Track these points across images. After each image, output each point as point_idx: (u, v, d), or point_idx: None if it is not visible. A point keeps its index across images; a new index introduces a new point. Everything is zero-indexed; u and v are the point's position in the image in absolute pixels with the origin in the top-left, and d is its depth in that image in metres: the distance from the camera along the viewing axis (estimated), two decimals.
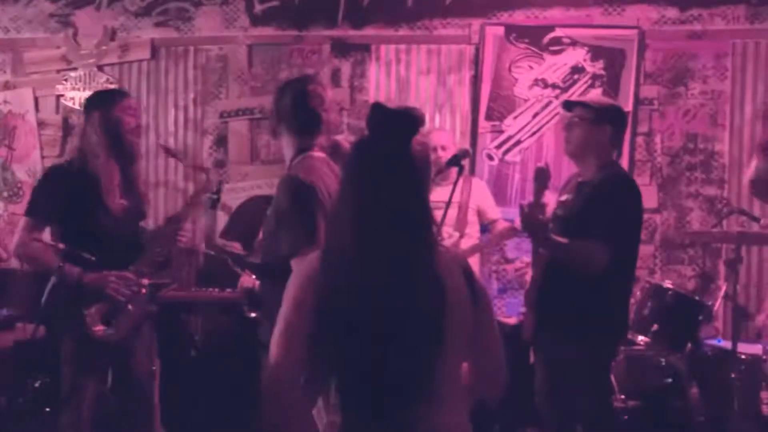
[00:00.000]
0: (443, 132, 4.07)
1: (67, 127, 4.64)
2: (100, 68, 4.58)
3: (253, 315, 2.36)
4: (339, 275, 1.48)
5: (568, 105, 2.85)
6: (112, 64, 4.58)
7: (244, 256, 2.53)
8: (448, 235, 3.64)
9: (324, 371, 1.50)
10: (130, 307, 2.68)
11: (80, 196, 2.67)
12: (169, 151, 3.26)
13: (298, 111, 2.30)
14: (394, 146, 1.52)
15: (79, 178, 2.68)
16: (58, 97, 4.63)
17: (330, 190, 2.21)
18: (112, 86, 4.57)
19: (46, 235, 2.82)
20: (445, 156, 3.79)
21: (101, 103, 2.79)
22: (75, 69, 4.59)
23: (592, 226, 2.56)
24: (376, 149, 1.53)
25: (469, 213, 3.75)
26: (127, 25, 4.58)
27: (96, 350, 2.66)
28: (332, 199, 2.20)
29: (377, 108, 1.56)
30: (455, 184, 3.03)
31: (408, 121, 1.54)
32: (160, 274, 2.82)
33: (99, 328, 2.64)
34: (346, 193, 1.54)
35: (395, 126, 1.53)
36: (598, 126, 2.70)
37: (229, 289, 3.65)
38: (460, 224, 3.69)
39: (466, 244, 3.69)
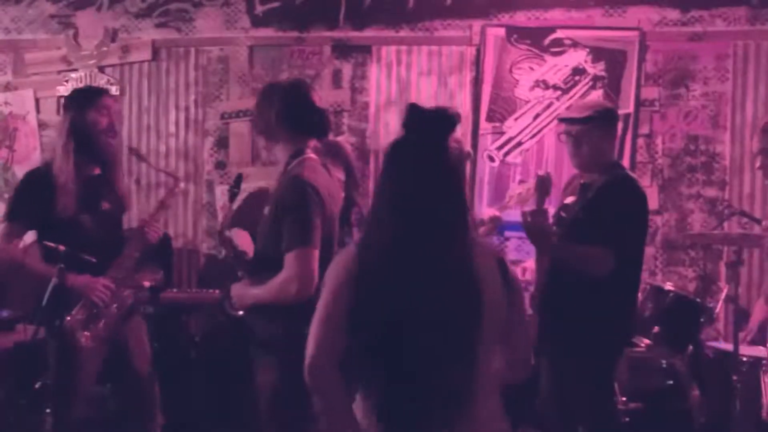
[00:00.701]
0: None
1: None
2: (101, 69, 4.59)
3: (240, 313, 2.34)
4: (377, 271, 1.53)
5: (569, 121, 2.78)
6: (113, 65, 4.59)
7: (244, 254, 2.51)
8: None
9: (361, 365, 1.56)
10: (113, 310, 2.67)
11: (52, 201, 2.65)
12: (139, 156, 3.33)
13: (298, 113, 2.31)
14: (432, 145, 1.56)
15: (51, 181, 2.67)
16: (59, 98, 4.62)
17: (329, 192, 2.28)
18: (113, 87, 4.58)
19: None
20: None
21: (74, 105, 2.78)
22: (76, 70, 4.60)
23: (598, 230, 2.56)
24: (414, 149, 1.57)
25: None
26: (128, 26, 4.58)
27: (83, 354, 2.65)
28: (332, 200, 2.28)
29: (413, 108, 1.59)
30: None
31: (444, 120, 1.58)
32: (143, 274, 2.78)
33: (81, 334, 2.64)
34: (385, 191, 1.59)
35: (432, 126, 1.57)
36: (601, 134, 2.72)
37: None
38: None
39: None
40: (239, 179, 2.57)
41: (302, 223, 2.17)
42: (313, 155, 2.33)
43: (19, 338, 3.74)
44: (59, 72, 4.62)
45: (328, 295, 1.58)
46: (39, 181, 2.71)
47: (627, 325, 2.78)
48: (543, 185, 2.73)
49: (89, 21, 4.59)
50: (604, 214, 2.58)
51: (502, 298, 1.57)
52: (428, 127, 1.56)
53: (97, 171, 2.79)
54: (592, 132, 2.69)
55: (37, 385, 3.78)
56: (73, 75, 4.60)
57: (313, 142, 2.35)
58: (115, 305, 2.68)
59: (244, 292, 2.31)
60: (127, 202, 2.94)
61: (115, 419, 3.59)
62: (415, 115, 1.58)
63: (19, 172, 4.65)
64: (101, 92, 2.90)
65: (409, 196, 1.54)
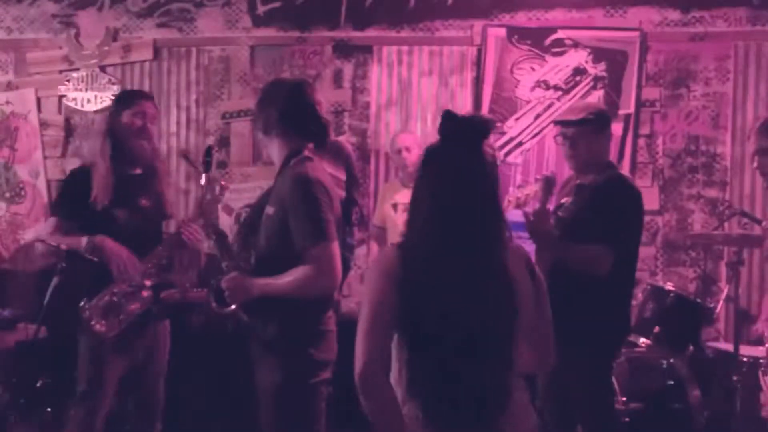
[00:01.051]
0: (409, 134, 4.11)
1: (69, 128, 4.65)
2: (103, 69, 4.59)
3: (232, 308, 2.27)
4: (423, 275, 1.58)
5: (565, 124, 2.83)
6: (115, 65, 4.59)
7: (226, 237, 2.49)
8: None
9: (407, 366, 1.59)
10: (131, 306, 2.66)
11: (82, 198, 2.71)
12: (187, 159, 3.28)
13: (299, 114, 2.28)
14: (468, 151, 1.63)
15: (91, 178, 2.73)
16: (61, 97, 4.63)
17: (333, 190, 2.27)
18: (114, 87, 4.59)
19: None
20: (409, 157, 3.85)
21: (113, 105, 2.85)
22: (77, 69, 4.60)
23: (597, 230, 2.58)
24: (451, 154, 1.64)
25: None
26: (130, 25, 4.59)
27: (111, 347, 2.66)
28: (336, 199, 2.27)
29: (449, 115, 1.66)
30: None
31: (479, 126, 1.65)
32: (164, 276, 2.80)
33: (97, 323, 2.63)
34: (424, 196, 1.65)
35: (467, 132, 1.64)
36: (602, 133, 2.77)
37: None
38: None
39: None
40: (209, 150, 2.54)
41: (316, 218, 2.15)
42: (311, 155, 2.30)
43: (21, 337, 3.75)
44: (61, 71, 4.63)
45: (374, 300, 1.60)
46: (80, 177, 2.75)
47: (624, 323, 2.80)
48: (548, 185, 2.75)
49: (91, 20, 4.59)
50: (601, 214, 2.61)
51: (530, 293, 1.66)
52: (464, 133, 1.63)
53: (138, 171, 2.79)
54: (587, 134, 2.74)
55: (38, 384, 3.79)
56: (75, 74, 4.60)
57: (310, 146, 2.31)
58: (136, 305, 2.66)
59: (246, 285, 2.23)
60: (169, 206, 2.89)
61: (109, 421, 3.60)
62: (450, 122, 1.64)
63: (21, 171, 4.67)
64: (139, 95, 2.92)
65: (449, 200, 1.61)
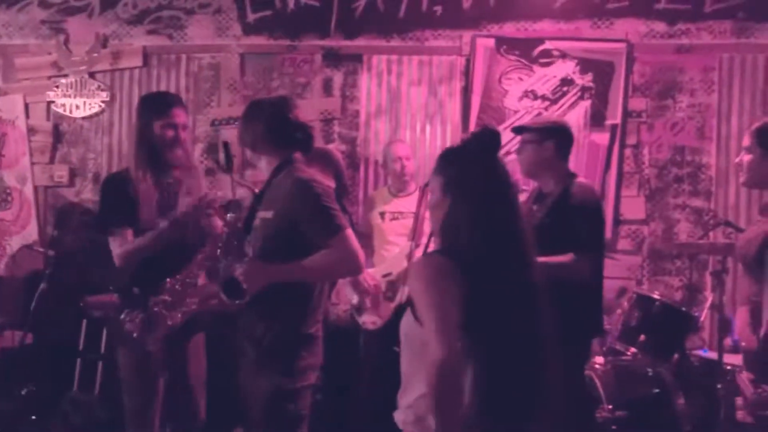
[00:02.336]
0: (404, 143, 4.15)
1: (57, 134, 4.64)
2: (92, 75, 4.59)
3: (242, 301, 2.23)
4: (484, 278, 1.70)
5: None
6: (104, 71, 4.59)
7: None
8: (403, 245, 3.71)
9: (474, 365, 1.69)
10: (177, 317, 2.58)
11: (135, 205, 2.68)
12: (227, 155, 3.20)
13: (282, 130, 2.38)
14: (498, 159, 1.83)
15: (130, 185, 2.70)
16: (49, 103, 4.62)
17: (329, 191, 2.37)
18: (103, 93, 4.58)
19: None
20: (410, 166, 3.89)
21: (142, 113, 2.78)
22: (66, 76, 4.60)
23: (572, 240, 2.74)
24: (489, 163, 1.82)
25: (425, 224, 3.78)
26: (119, 32, 4.59)
27: (154, 358, 2.62)
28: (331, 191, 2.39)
29: (488, 130, 1.87)
30: (422, 194, 3.16)
31: (496, 138, 1.85)
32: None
33: (136, 332, 2.57)
34: (460, 200, 1.78)
35: (493, 144, 1.84)
36: (541, 145, 2.95)
37: None
38: (417, 235, 3.71)
39: (420, 254, 3.72)
40: (227, 147, 2.50)
41: (324, 214, 2.26)
42: (301, 163, 2.39)
43: (6, 344, 3.73)
44: (49, 77, 4.62)
45: (437, 299, 1.67)
46: (120, 185, 2.71)
47: (596, 321, 2.98)
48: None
49: (80, 27, 4.59)
50: (575, 225, 2.78)
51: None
52: (491, 145, 1.83)
53: (175, 175, 2.76)
54: (526, 143, 2.99)
55: (23, 392, 3.77)
56: (64, 81, 4.59)
57: (298, 155, 2.41)
58: (180, 312, 2.58)
59: (264, 269, 2.25)
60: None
61: (105, 427, 3.58)
62: (488, 136, 1.85)
63: (8, 177, 4.64)
64: (168, 102, 2.81)
65: (495, 207, 1.77)
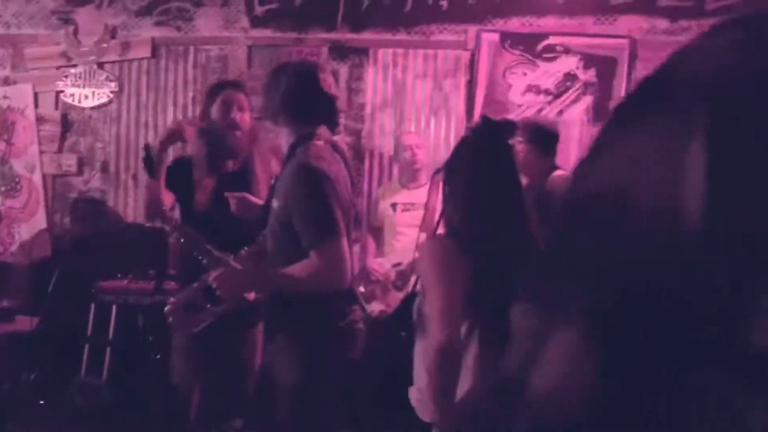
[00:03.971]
0: (414, 134, 4.20)
1: (66, 123, 4.69)
2: (101, 66, 4.64)
3: (222, 307, 2.16)
4: (488, 258, 1.73)
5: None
6: (113, 62, 4.64)
7: (202, 240, 2.35)
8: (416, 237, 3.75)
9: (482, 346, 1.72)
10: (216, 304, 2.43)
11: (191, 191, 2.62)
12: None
13: (303, 97, 2.13)
14: (506, 146, 1.89)
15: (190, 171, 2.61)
16: (58, 93, 4.67)
17: (338, 177, 2.12)
18: (112, 84, 4.63)
19: None
20: (421, 156, 3.93)
21: (204, 103, 2.68)
22: (75, 66, 4.64)
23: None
24: (494, 149, 1.87)
25: (436, 215, 3.83)
26: (128, 23, 4.64)
27: (200, 342, 2.52)
28: (345, 186, 2.17)
29: (487, 119, 1.94)
30: (432, 184, 3.22)
31: (510, 127, 1.92)
32: None
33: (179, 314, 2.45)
34: (452, 186, 1.85)
35: (503, 132, 1.90)
36: (539, 145, 3.13)
37: None
38: (427, 226, 3.76)
39: None
40: (147, 149, 2.43)
41: (319, 214, 2.02)
42: (319, 142, 2.14)
43: (19, 328, 3.78)
44: (58, 67, 4.66)
45: (443, 281, 1.71)
46: (181, 170, 2.64)
47: None
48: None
49: (89, 18, 4.64)
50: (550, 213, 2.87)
51: None
52: (500, 133, 1.89)
53: (235, 166, 2.64)
54: (524, 144, 3.09)
55: (32, 377, 3.82)
56: (72, 71, 4.64)
57: (321, 129, 2.16)
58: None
59: (238, 278, 2.13)
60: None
61: (111, 410, 3.63)
62: (489, 125, 1.91)
63: (17, 165, 4.70)
64: (223, 85, 2.75)
65: (500, 189, 1.83)
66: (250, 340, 2.64)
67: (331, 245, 2.03)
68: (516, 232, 1.80)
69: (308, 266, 2.04)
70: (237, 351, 2.60)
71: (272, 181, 2.34)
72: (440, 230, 1.94)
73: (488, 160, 1.86)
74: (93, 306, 3.72)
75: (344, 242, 2.06)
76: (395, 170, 4.38)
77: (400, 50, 4.47)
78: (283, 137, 2.20)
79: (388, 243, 3.95)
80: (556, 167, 3.19)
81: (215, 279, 2.11)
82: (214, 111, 2.60)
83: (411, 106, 4.46)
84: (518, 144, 3.05)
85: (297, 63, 2.50)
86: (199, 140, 2.59)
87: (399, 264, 3.76)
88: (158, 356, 3.04)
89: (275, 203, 2.15)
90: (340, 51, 4.50)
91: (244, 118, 2.62)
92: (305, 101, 2.14)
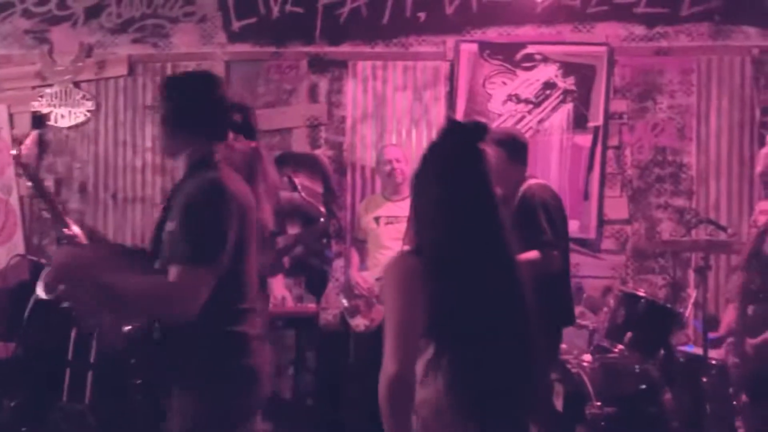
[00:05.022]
0: (396, 146, 4.19)
1: (41, 144, 4.62)
2: (77, 85, 4.58)
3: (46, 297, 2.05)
4: (451, 276, 1.59)
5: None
6: (89, 81, 4.58)
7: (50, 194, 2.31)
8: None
9: (447, 364, 1.58)
10: None
11: None
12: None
13: (197, 110, 1.97)
14: (475, 152, 1.69)
15: None
16: (33, 113, 4.61)
17: (244, 201, 1.93)
18: (88, 103, 4.57)
19: None
20: (401, 168, 3.92)
21: None
22: (51, 85, 4.58)
23: (539, 238, 2.93)
24: (461, 156, 1.68)
25: None
26: (104, 41, 4.59)
27: None
28: (251, 210, 1.95)
29: (453, 121, 1.82)
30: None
31: (480, 129, 1.72)
32: None
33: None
34: (434, 198, 1.66)
35: (471, 135, 1.71)
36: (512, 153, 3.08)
37: None
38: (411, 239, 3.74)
39: None
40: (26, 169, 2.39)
41: (208, 235, 1.82)
42: (223, 164, 1.97)
43: None
44: (34, 87, 4.60)
45: (400, 305, 1.58)
46: None
47: (567, 310, 3.17)
48: None
49: (64, 36, 4.59)
50: (538, 223, 2.96)
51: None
52: (468, 136, 1.71)
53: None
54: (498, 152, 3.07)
55: (12, 404, 3.73)
56: (48, 90, 4.58)
57: (220, 148, 1.99)
58: None
59: (77, 262, 1.85)
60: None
61: None
62: (455, 127, 1.77)
63: None
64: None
65: (466, 200, 1.66)
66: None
67: (198, 271, 1.80)
68: (490, 249, 1.64)
69: (157, 286, 1.83)
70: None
71: (165, 203, 2.05)
72: (407, 246, 1.76)
73: (456, 168, 1.67)
74: (74, 330, 3.65)
75: (210, 275, 1.82)
76: (378, 183, 4.36)
77: (379, 62, 4.46)
78: (180, 153, 1.99)
79: (372, 256, 3.93)
80: (527, 177, 3.17)
81: (56, 254, 1.92)
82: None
83: (392, 118, 4.45)
84: (490, 149, 2.94)
85: (190, 73, 2.38)
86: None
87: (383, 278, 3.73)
88: (139, 381, 2.98)
89: (169, 226, 1.90)
90: (319, 64, 4.48)
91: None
92: (197, 116, 1.97)
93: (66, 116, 4.59)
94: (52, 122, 4.60)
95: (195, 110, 1.97)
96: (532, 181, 3.14)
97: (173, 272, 1.81)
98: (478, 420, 1.57)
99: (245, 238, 1.91)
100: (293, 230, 3.92)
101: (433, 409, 1.58)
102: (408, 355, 1.55)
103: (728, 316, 3.37)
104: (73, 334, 3.76)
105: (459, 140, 1.70)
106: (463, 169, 1.67)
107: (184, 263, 1.80)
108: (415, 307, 1.57)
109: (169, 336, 1.88)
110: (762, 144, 4.19)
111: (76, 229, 2.29)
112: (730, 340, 2.98)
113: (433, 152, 1.72)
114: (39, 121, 4.60)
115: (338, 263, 4.40)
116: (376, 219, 3.99)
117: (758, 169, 3.20)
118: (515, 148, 3.13)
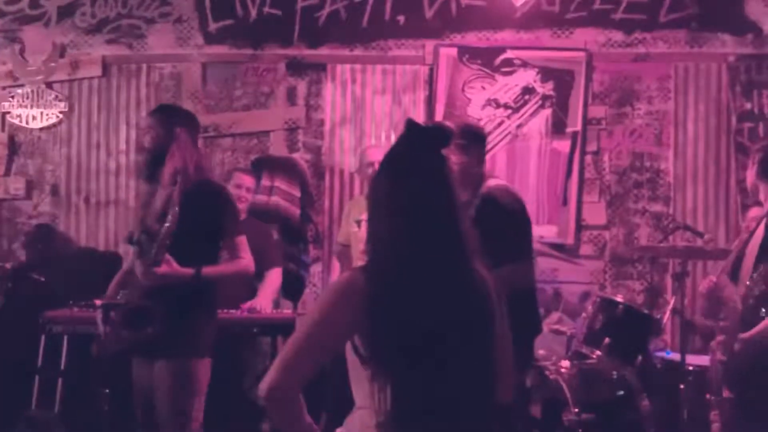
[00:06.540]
0: (379, 148, 4.12)
1: (13, 146, 4.53)
2: (49, 85, 4.49)
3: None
4: (394, 292, 1.46)
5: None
6: (62, 81, 4.50)
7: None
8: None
9: (378, 379, 1.46)
10: None
11: None
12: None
13: None
14: (435, 158, 1.52)
15: None
16: (4, 114, 4.51)
17: None
18: (61, 104, 4.49)
19: None
20: None
21: None
22: (22, 86, 4.49)
23: (510, 251, 2.59)
24: (418, 162, 1.52)
25: None
26: (78, 41, 4.51)
27: None
28: None
29: (412, 124, 1.56)
30: None
31: (442, 134, 1.56)
32: None
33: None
34: (389, 207, 1.51)
35: (432, 139, 1.54)
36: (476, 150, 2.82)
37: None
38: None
39: None
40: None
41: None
42: None
43: None
44: (4, 88, 4.51)
45: (323, 320, 1.48)
46: None
47: (535, 321, 2.94)
48: None
49: (37, 36, 4.50)
50: (510, 235, 2.65)
51: (501, 312, 1.57)
52: (428, 141, 1.54)
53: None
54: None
55: None
56: (20, 91, 4.49)
57: None
58: None
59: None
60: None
61: None
62: (414, 130, 1.56)
63: None
64: None
65: (421, 210, 1.50)
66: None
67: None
68: (447, 266, 1.49)
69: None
70: None
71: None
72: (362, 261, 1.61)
73: (414, 178, 1.50)
74: (43, 337, 3.57)
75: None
76: (357, 187, 4.32)
77: (358, 66, 4.43)
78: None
79: (355, 261, 3.88)
80: (486, 176, 2.87)
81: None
82: None
83: (371, 121, 4.42)
84: (452, 153, 2.51)
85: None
86: None
87: None
88: (107, 390, 2.92)
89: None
90: (297, 67, 4.43)
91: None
92: None
93: (38, 117, 4.49)
94: (23, 123, 4.50)
95: None
96: (491, 183, 2.85)
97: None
98: None
99: None
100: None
101: None
102: (295, 371, 1.46)
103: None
104: (42, 340, 3.68)
105: (419, 146, 1.53)
106: (420, 178, 1.50)
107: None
108: (332, 329, 1.47)
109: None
110: (739, 151, 4.25)
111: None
112: (720, 338, 2.93)
113: (390, 160, 1.55)
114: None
115: (315, 268, 4.35)
116: (358, 222, 3.94)
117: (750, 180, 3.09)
118: (476, 140, 2.83)
